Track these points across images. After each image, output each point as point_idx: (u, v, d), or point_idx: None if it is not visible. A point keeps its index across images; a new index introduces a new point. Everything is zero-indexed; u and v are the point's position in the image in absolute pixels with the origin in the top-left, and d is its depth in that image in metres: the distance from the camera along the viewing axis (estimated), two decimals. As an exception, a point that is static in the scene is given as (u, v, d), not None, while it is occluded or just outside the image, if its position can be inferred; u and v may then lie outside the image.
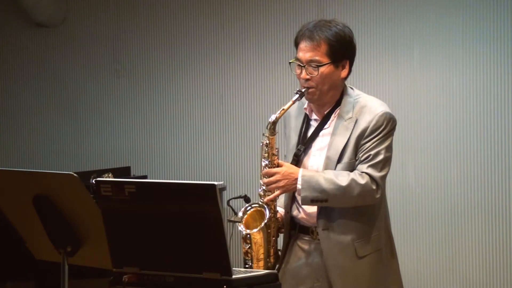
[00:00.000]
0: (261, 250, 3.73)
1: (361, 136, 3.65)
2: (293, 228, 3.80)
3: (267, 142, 3.73)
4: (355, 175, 3.61)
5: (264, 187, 3.72)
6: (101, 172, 5.74)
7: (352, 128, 3.67)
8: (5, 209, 3.56)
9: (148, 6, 6.76)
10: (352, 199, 3.61)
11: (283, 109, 3.70)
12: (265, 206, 3.73)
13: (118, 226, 3.18)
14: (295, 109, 3.85)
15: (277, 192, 3.69)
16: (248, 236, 3.72)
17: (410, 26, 5.99)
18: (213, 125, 6.58)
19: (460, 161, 5.88)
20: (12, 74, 7.15)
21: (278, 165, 3.71)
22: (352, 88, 3.80)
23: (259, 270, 3.57)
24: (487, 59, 5.82)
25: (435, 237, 5.94)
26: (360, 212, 3.67)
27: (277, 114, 3.71)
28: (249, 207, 3.77)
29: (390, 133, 3.70)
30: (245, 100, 6.49)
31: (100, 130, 6.91)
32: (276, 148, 3.73)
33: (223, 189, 6.19)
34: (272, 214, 3.75)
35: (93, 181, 4.21)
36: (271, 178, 3.67)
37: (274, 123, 3.72)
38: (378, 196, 3.63)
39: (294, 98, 3.70)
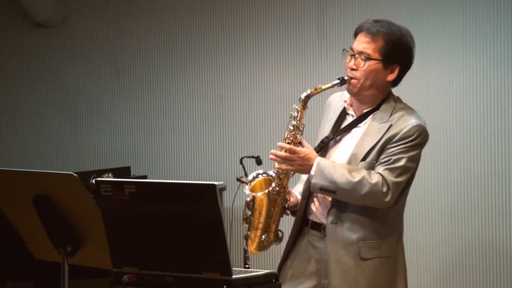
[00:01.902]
0: (261, 219, 3.70)
1: (389, 141, 3.62)
2: (305, 224, 3.78)
3: (296, 115, 3.67)
4: (368, 173, 3.58)
5: (274, 157, 3.65)
6: (101, 172, 5.74)
7: (384, 131, 3.63)
8: (5, 209, 3.56)
9: (148, 6, 6.76)
10: (360, 197, 3.58)
11: (320, 87, 3.64)
12: (273, 174, 3.68)
13: (118, 226, 3.18)
14: (336, 100, 3.81)
15: (288, 167, 3.65)
16: (251, 202, 3.69)
17: (410, 26, 5.97)
18: (213, 125, 6.58)
19: (460, 161, 5.88)
20: (12, 74, 7.15)
21: (300, 143, 3.67)
22: (398, 98, 3.76)
23: (259, 270, 3.57)
24: (487, 59, 5.82)
25: (435, 237, 5.94)
26: (373, 215, 3.64)
27: (312, 90, 3.64)
28: (259, 175, 3.74)
29: (418, 145, 3.66)
30: (245, 100, 6.49)
31: (100, 130, 6.91)
32: (303, 125, 3.68)
33: (223, 189, 6.19)
34: (282, 189, 3.71)
35: (93, 181, 4.21)
36: (289, 155, 3.63)
37: (307, 97, 3.65)
38: (387, 200, 3.58)
39: (334, 82, 3.64)
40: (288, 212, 3.79)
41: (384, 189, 3.57)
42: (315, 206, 3.76)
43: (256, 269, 3.77)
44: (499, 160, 5.79)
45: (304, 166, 3.63)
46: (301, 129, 3.68)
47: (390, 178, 3.58)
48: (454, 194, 5.89)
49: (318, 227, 3.73)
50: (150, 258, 3.16)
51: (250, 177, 3.74)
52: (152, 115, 6.77)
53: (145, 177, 6.51)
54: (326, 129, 3.79)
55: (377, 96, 3.71)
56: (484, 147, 5.82)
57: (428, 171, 5.92)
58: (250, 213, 3.70)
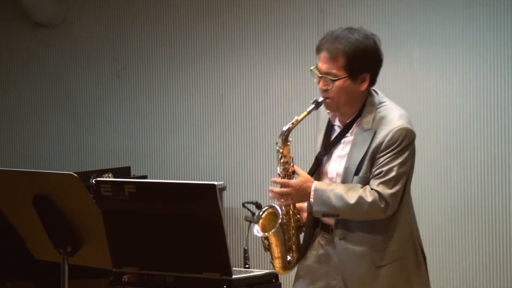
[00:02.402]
0: (279, 249, 3.72)
1: (376, 150, 3.60)
2: (316, 225, 3.79)
3: (281, 151, 3.70)
4: (364, 192, 3.58)
5: (274, 194, 3.69)
6: (101, 172, 5.74)
7: (370, 140, 3.62)
8: (5, 209, 3.56)
9: (148, 6, 6.76)
10: (362, 215, 3.60)
11: (296, 119, 3.65)
12: (277, 208, 3.71)
13: (118, 226, 3.18)
14: (323, 111, 3.80)
15: (288, 201, 3.68)
16: (266, 240, 3.72)
17: (410, 26, 5.99)
18: (213, 125, 6.57)
19: (460, 161, 5.87)
20: (12, 74, 7.15)
21: (294, 173, 3.68)
22: (377, 93, 3.73)
23: (259, 270, 3.57)
24: (487, 59, 5.81)
25: (434, 237, 5.94)
26: (377, 222, 3.63)
27: (289, 125, 3.66)
28: (264, 211, 3.75)
29: (406, 148, 3.62)
30: (245, 100, 6.49)
31: (100, 130, 6.91)
32: (291, 157, 3.70)
33: (223, 189, 6.19)
34: (291, 214, 3.73)
35: (93, 181, 4.21)
36: (284, 190, 3.65)
37: (287, 133, 3.68)
38: (388, 213, 3.59)
39: (309, 109, 3.65)
40: (304, 228, 3.81)
41: (382, 205, 3.58)
42: None
43: (256, 269, 3.77)
44: (499, 160, 5.79)
45: (303, 195, 3.66)
46: (291, 161, 3.70)
47: (386, 191, 3.58)
48: (454, 194, 5.89)
49: (327, 228, 3.74)
50: (150, 258, 3.16)
51: (256, 215, 3.73)
52: (152, 115, 6.77)
53: (145, 177, 6.51)
54: (318, 141, 3.81)
55: (356, 105, 3.69)
56: (484, 147, 5.82)
57: (428, 171, 5.92)
58: (267, 243, 3.72)
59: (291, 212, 3.75)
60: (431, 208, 5.94)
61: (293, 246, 3.75)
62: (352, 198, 3.58)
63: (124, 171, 6.32)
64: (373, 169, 3.61)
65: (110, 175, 5.69)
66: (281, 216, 3.69)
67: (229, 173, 6.51)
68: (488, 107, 5.81)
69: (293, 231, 3.75)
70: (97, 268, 3.52)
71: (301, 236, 3.82)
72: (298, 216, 3.79)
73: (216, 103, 6.57)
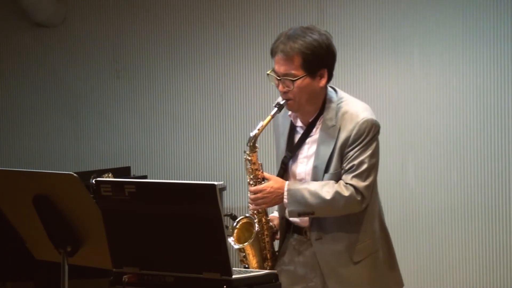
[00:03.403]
0: (256, 259, 3.75)
1: (344, 145, 3.64)
2: (288, 229, 3.81)
3: (249, 158, 3.74)
4: (339, 186, 3.61)
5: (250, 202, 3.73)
6: (101, 172, 5.74)
7: (336, 136, 3.65)
8: (5, 209, 3.56)
9: (148, 6, 6.76)
10: (337, 211, 3.63)
11: (261, 125, 3.71)
12: (253, 218, 3.74)
13: (118, 226, 3.18)
14: (282, 114, 3.83)
15: (263, 206, 3.73)
16: (242, 251, 3.75)
17: (410, 26, 5.99)
18: (213, 125, 6.58)
19: (460, 161, 5.88)
20: (12, 74, 7.15)
21: (264, 178, 3.72)
22: (335, 90, 3.77)
23: (259, 270, 3.58)
24: (487, 59, 5.82)
25: (434, 237, 5.94)
26: (351, 218, 3.68)
27: (256, 131, 3.72)
28: (237, 223, 3.76)
29: (373, 139, 3.66)
30: (245, 100, 6.49)
31: (100, 130, 6.91)
32: (259, 163, 3.74)
33: (223, 189, 6.19)
34: (264, 225, 3.76)
35: (93, 181, 4.21)
36: (258, 195, 3.69)
37: (254, 140, 3.73)
38: (363, 205, 3.64)
39: (272, 113, 3.72)
40: (278, 236, 3.84)
41: (359, 198, 3.62)
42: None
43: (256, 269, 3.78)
44: (499, 159, 5.79)
45: (277, 197, 3.68)
46: (260, 168, 3.75)
47: (360, 184, 3.62)
48: (454, 193, 5.89)
49: (300, 230, 3.77)
50: (150, 258, 3.15)
51: (231, 226, 3.74)
52: (152, 115, 6.77)
53: (145, 177, 6.51)
54: (281, 146, 3.83)
55: (317, 103, 3.72)
56: (484, 147, 5.82)
57: (428, 171, 5.92)
58: (243, 255, 3.75)
59: (263, 220, 3.77)
60: (431, 207, 5.94)
61: (268, 255, 3.77)
62: (328, 194, 3.60)
63: (124, 171, 6.32)
64: (344, 164, 3.64)
65: (110, 175, 5.69)
66: (257, 227, 3.72)
67: (229, 173, 6.51)
68: (488, 107, 5.81)
69: (267, 239, 3.78)
70: (97, 268, 3.52)
71: (276, 243, 3.84)
72: (271, 223, 3.81)
73: (216, 103, 6.57)
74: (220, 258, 3.00)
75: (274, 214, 3.88)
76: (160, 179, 6.45)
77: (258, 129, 3.72)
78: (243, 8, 6.49)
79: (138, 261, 3.16)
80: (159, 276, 3.13)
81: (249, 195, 3.74)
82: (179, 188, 3.13)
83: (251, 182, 3.74)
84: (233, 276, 3.01)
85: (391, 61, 6.03)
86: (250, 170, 3.74)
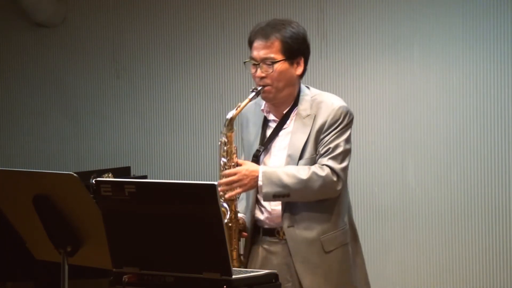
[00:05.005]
0: None
1: (320, 131, 3.70)
2: (256, 232, 3.82)
3: (225, 140, 3.76)
4: (315, 168, 3.66)
5: (223, 187, 3.72)
6: (101, 172, 5.74)
7: (311, 124, 3.71)
8: (5, 209, 3.56)
9: (148, 6, 6.76)
10: (314, 192, 3.66)
11: (239, 106, 3.73)
12: (226, 206, 3.74)
13: (118, 226, 3.18)
14: (252, 112, 3.87)
15: (238, 190, 3.72)
16: None
17: (410, 26, 5.99)
18: (213, 125, 6.58)
19: (460, 161, 5.88)
20: (12, 74, 7.15)
21: (238, 164, 3.74)
22: (308, 87, 3.84)
23: (259, 270, 3.57)
24: (487, 59, 5.81)
25: (434, 237, 5.94)
26: (324, 208, 3.72)
27: (234, 112, 3.74)
28: None
29: (348, 126, 3.74)
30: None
31: (100, 130, 6.91)
32: (234, 146, 3.77)
33: (223, 189, 6.17)
34: (233, 214, 3.77)
35: (93, 181, 4.21)
36: (233, 177, 3.71)
37: (232, 120, 3.74)
38: (339, 188, 3.68)
39: (250, 96, 3.74)
40: (245, 233, 3.84)
41: (335, 178, 3.66)
42: (263, 215, 3.82)
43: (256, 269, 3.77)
44: (499, 159, 5.79)
45: (251, 180, 3.70)
46: (235, 151, 3.78)
47: (337, 166, 3.67)
48: (454, 193, 5.89)
49: (272, 232, 3.77)
50: (150, 258, 3.15)
51: None
52: (152, 115, 6.77)
53: (145, 177, 6.51)
54: (251, 141, 3.85)
55: (292, 94, 3.78)
56: (484, 147, 5.82)
57: (428, 171, 5.92)
58: None
59: (233, 209, 3.78)
60: (431, 207, 5.94)
61: (234, 254, 3.78)
62: (304, 175, 3.64)
63: (124, 171, 6.31)
64: (319, 148, 3.70)
65: (110, 175, 5.69)
66: (228, 214, 3.73)
67: (229, 173, 6.50)
68: (488, 106, 5.81)
69: (235, 234, 3.78)
70: (97, 268, 3.52)
71: (241, 244, 3.83)
72: (240, 215, 3.81)
73: (216, 103, 6.57)
74: (220, 258, 3.00)
75: (240, 214, 3.88)
76: (160, 179, 6.45)
77: (236, 110, 3.74)
78: (243, 8, 6.49)
79: (138, 261, 3.16)
80: (159, 276, 3.13)
81: (220, 180, 3.72)
82: (179, 188, 3.13)
83: (226, 167, 3.73)
84: (233, 276, 3.01)
85: (391, 60, 6.03)
86: (225, 154, 3.76)
